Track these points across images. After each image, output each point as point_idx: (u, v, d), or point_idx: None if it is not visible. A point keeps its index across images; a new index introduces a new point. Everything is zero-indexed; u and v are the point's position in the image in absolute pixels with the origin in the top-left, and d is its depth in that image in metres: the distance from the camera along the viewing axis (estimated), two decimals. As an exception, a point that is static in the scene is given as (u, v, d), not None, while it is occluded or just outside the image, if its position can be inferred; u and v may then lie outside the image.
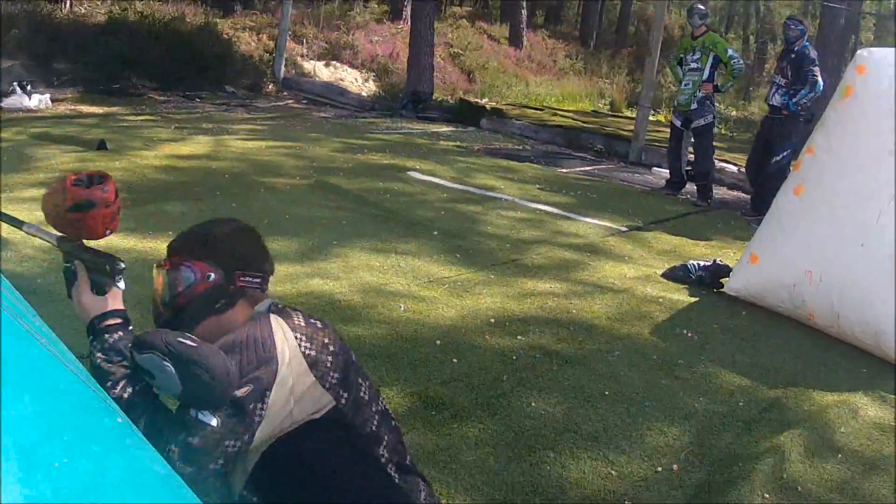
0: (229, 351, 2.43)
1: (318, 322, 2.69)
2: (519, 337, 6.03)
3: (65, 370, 1.36)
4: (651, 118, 18.87)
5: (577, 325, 6.37)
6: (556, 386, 5.29)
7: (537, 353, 5.77)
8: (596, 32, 41.06)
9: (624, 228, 9.50)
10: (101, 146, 11.31)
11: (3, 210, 2.47)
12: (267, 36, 24.65)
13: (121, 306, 2.56)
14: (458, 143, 15.37)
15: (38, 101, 16.44)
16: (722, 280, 7.61)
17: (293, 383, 2.47)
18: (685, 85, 11.94)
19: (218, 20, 25.38)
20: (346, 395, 2.57)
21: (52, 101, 16.94)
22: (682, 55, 12.14)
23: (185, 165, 10.80)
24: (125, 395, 2.40)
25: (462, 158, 13.41)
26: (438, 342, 5.79)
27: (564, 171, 13.39)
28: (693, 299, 7.31)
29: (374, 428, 2.64)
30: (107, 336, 2.48)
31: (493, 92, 26.59)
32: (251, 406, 2.41)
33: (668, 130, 12.81)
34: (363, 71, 24.95)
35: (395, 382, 5.14)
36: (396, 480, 2.67)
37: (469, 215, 9.47)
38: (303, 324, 2.61)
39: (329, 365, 2.56)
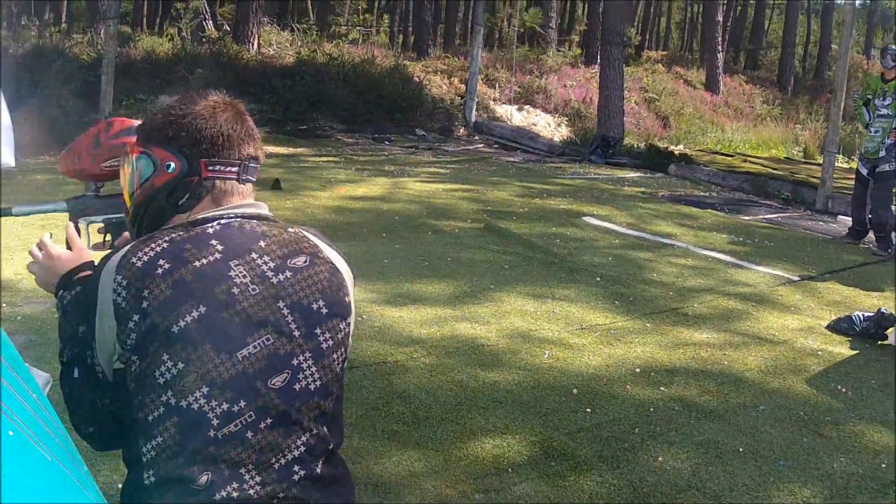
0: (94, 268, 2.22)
1: (166, 262, 2.11)
2: (661, 388, 5.87)
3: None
4: (843, 165, 18.27)
5: (725, 378, 6.15)
6: (688, 440, 5.10)
7: (677, 405, 5.60)
8: (794, 78, 40.27)
9: (796, 278, 9.17)
10: (274, 185, 11.62)
11: None
12: (458, 79, 24.93)
13: (87, 258, 2.46)
14: (642, 189, 15.18)
15: (222, 139, 17.01)
16: (887, 331, 7.27)
17: (104, 331, 2.09)
18: (874, 132, 11.32)
19: (408, 63, 25.80)
20: (136, 360, 2.05)
21: (238, 140, 17.50)
22: (869, 96, 11.56)
23: (357, 206, 10.98)
24: (64, 359, 2.23)
25: (643, 204, 13.23)
26: (575, 391, 5.68)
27: (747, 218, 13.04)
28: (854, 352, 6.97)
29: (148, 416, 2.03)
30: (65, 292, 2.36)
31: (688, 138, 26.29)
32: (83, 353, 2.17)
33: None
34: (556, 115, 24.99)
35: (520, 431, 5.05)
36: (147, 477, 2.06)
37: (637, 262, 9.31)
38: (142, 260, 2.11)
39: (134, 321, 2.06)
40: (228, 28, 26.08)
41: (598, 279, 8.41)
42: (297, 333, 2.13)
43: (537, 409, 5.37)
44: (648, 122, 27.43)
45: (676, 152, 19.93)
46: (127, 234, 2.52)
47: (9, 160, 13.67)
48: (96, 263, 2.26)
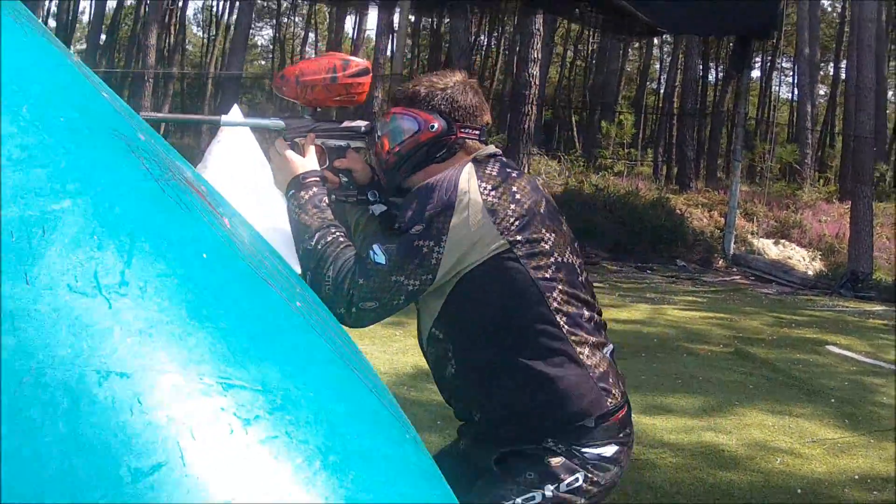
0: (419, 193, 2.67)
1: (513, 172, 2.75)
2: (875, 492, 6.64)
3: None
4: None
5: (936, 488, 6.89)
6: (893, 537, 5.95)
7: (887, 508, 6.43)
8: None
9: None
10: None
11: None
12: (718, 213, 25.65)
13: (317, 167, 2.85)
14: (885, 322, 15.56)
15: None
16: None
17: (470, 228, 2.59)
18: None
19: (671, 195, 26.68)
20: (521, 240, 2.64)
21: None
22: None
23: (620, 328, 11.97)
24: (319, 245, 2.63)
25: (884, 336, 13.71)
26: (800, 490, 6.55)
27: (981, 350, 13.40)
28: None
29: (546, 275, 2.68)
30: (302, 193, 2.75)
31: (938, 272, 26.11)
32: (425, 247, 2.59)
33: None
34: (810, 249, 25.32)
35: (748, 520, 6.02)
36: (560, 322, 2.70)
37: (870, 387, 9.97)
38: (494, 173, 2.70)
39: (510, 213, 2.63)
40: (500, 154, 27.40)
41: (833, 400, 9.18)
42: None
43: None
44: (900, 256, 27.38)
45: (922, 285, 20.13)
46: (346, 160, 2.97)
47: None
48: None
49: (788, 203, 28.16)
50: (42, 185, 1.54)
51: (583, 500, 2.74)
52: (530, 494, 2.69)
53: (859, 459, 7.41)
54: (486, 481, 2.78)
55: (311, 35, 60.72)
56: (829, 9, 57.48)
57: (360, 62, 2.82)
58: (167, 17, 48.04)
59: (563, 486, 2.70)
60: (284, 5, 55.22)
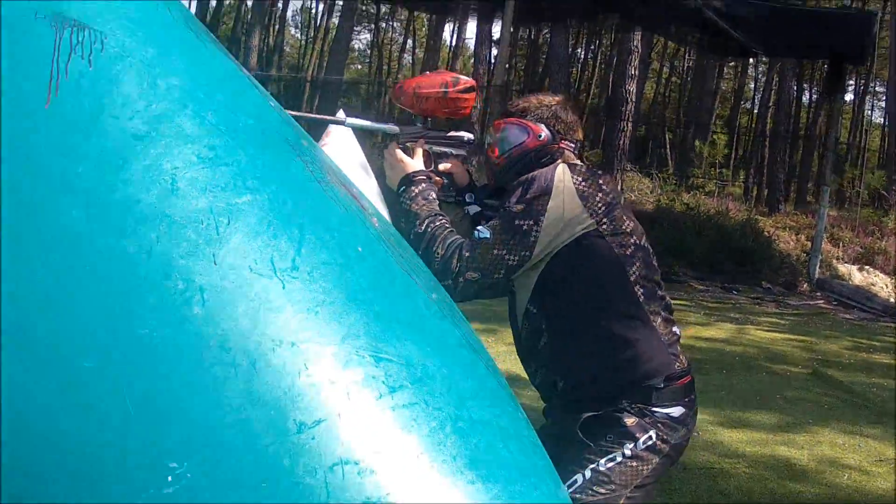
0: (522, 182, 2.99)
1: (600, 171, 3.18)
2: (936, 511, 6.81)
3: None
4: None
5: None
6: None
7: (946, 523, 6.55)
8: None
9: None
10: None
11: None
12: (805, 237, 25.39)
13: (424, 168, 3.16)
14: (961, 353, 15.52)
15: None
16: None
17: (564, 210, 2.91)
18: None
19: (760, 217, 26.43)
20: (606, 221, 2.97)
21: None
22: None
23: (703, 346, 12.08)
24: (429, 229, 2.95)
25: (959, 366, 13.70)
26: (864, 505, 6.75)
27: None
28: None
29: (626, 252, 3.01)
30: (412, 188, 3.07)
31: None
32: (525, 225, 2.90)
33: None
34: (893, 277, 25.03)
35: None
36: (638, 292, 3.02)
37: (942, 411, 10.05)
38: (584, 170, 3.05)
39: (597, 199, 2.97)
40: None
41: (900, 422, 9.28)
42: None
43: (829, 517, 6.48)
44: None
45: None
46: (449, 164, 3.32)
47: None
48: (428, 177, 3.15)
49: (874, 229, 27.81)
50: (227, 181, 1.78)
51: (657, 459, 2.98)
52: (611, 455, 2.94)
53: (924, 480, 7.51)
54: (571, 453, 2.97)
55: (409, 42, 60.98)
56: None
57: (467, 80, 3.10)
58: (268, 17, 48.55)
59: (639, 444, 2.95)
60: (383, 10, 55.38)
